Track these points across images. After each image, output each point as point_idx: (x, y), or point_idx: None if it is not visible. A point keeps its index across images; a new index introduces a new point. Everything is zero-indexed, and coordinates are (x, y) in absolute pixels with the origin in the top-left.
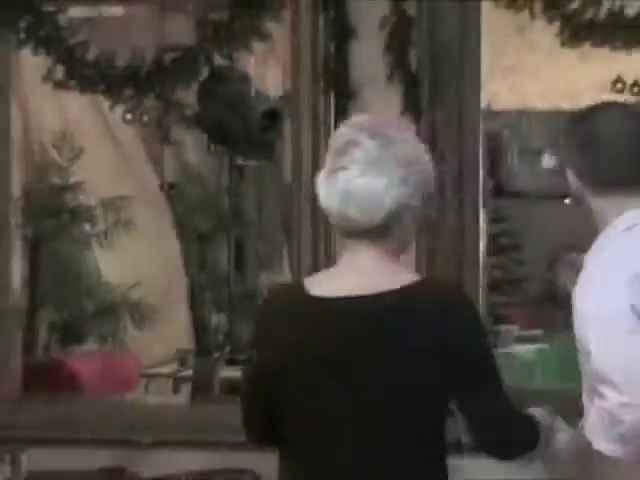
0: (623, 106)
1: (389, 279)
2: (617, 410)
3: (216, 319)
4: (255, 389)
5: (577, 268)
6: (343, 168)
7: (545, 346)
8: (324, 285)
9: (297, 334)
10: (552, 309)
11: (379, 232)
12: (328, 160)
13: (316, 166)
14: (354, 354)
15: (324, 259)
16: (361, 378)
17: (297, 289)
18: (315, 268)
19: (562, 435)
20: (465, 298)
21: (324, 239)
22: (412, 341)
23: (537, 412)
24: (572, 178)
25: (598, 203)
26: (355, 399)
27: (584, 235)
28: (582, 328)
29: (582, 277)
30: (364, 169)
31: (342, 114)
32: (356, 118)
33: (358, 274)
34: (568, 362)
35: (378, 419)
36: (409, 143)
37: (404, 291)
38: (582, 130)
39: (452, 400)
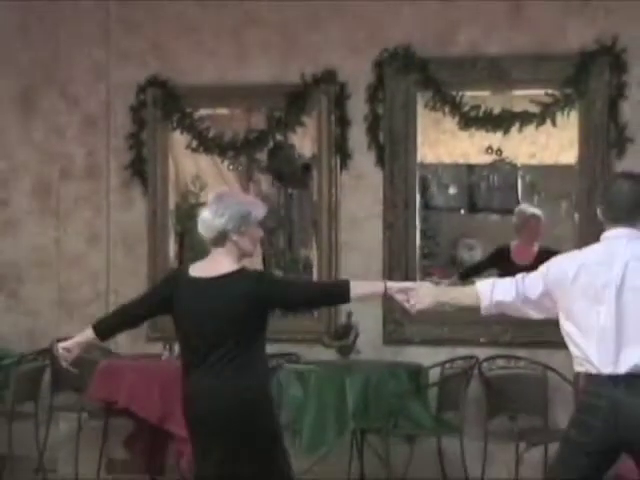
0: (630, 175)
1: (223, 268)
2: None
3: (276, 271)
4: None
5: (468, 247)
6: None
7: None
8: (197, 271)
9: (183, 296)
10: (453, 269)
11: (217, 243)
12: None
13: (330, 193)
14: (209, 304)
15: (335, 243)
16: (214, 311)
17: (185, 272)
18: (329, 248)
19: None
20: (255, 272)
21: (335, 232)
22: (239, 294)
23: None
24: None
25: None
26: (210, 323)
27: (471, 229)
28: None
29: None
30: (210, 212)
31: (343, 166)
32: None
33: (210, 264)
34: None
35: (224, 332)
36: (233, 199)
37: (231, 273)
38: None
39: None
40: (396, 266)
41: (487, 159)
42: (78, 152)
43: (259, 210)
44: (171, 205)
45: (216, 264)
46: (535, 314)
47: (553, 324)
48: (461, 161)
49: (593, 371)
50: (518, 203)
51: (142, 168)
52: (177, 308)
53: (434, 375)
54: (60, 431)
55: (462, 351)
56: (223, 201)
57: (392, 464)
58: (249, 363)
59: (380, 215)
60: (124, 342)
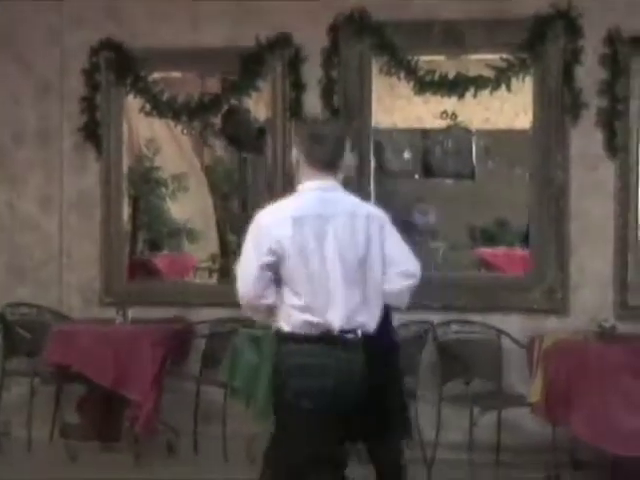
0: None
1: None
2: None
3: (231, 237)
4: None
5: (423, 212)
6: None
7: None
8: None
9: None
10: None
11: None
12: None
13: (285, 157)
14: None
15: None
16: None
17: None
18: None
19: None
20: None
21: (284, 191)
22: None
23: None
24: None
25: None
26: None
27: (426, 194)
28: None
29: None
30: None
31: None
32: None
33: None
34: None
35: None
36: None
37: None
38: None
39: None
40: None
41: (442, 124)
42: (31, 116)
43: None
44: (125, 169)
45: None
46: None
47: (508, 289)
48: (416, 126)
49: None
50: (473, 168)
51: (96, 132)
52: None
53: None
54: (13, 396)
55: (416, 316)
56: None
57: None
58: None
59: None
60: (77, 306)
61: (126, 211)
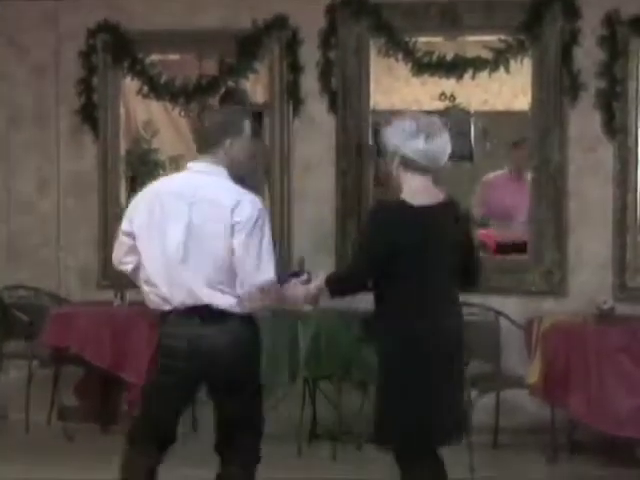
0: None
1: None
2: None
3: None
4: (375, 263)
5: None
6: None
7: None
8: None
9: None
10: None
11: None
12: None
13: (283, 139)
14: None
15: (287, 189)
16: (442, 244)
17: (401, 203)
18: (282, 195)
19: None
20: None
21: (287, 179)
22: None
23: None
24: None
25: None
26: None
27: None
28: None
29: None
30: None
31: (295, 112)
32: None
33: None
34: None
35: (446, 267)
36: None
37: (447, 201)
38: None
39: None
40: (349, 213)
41: (440, 105)
42: (27, 99)
43: None
44: (122, 151)
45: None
46: None
47: (506, 271)
48: (414, 107)
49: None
50: (471, 149)
51: (92, 114)
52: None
53: None
54: (10, 379)
55: None
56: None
57: (344, 411)
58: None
59: (333, 162)
60: (75, 289)
61: (124, 193)
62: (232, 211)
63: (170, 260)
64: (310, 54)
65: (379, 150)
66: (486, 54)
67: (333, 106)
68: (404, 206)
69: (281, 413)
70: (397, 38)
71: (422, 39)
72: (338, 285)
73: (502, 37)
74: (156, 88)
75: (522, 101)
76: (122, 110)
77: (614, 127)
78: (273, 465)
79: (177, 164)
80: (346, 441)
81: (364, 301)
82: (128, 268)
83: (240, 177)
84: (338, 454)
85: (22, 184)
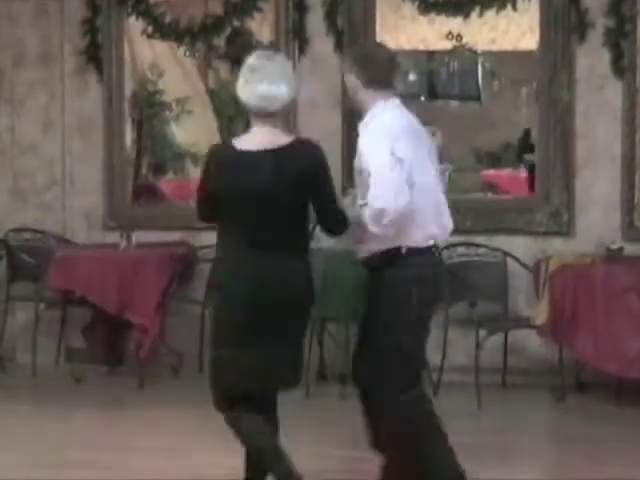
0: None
1: (279, 139)
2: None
3: None
4: (207, 201)
5: (430, 134)
6: (259, 81)
7: None
8: (245, 143)
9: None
10: None
11: (273, 115)
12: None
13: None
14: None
15: (293, 129)
16: (260, 193)
17: (230, 146)
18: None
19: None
20: (314, 146)
21: (294, 118)
22: (289, 173)
23: (347, 201)
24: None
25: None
26: (259, 200)
27: (431, 116)
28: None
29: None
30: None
31: (301, 51)
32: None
33: (263, 136)
34: None
35: (270, 211)
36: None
37: (285, 146)
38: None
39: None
40: (355, 152)
41: (447, 45)
42: (31, 39)
43: None
44: (127, 92)
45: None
46: None
47: (513, 211)
48: (421, 47)
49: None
50: (478, 89)
51: (97, 54)
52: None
53: None
54: (17, 321)
55: None
56: (275, 65)
57: (352, 352)
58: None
59: (339, 101)
60: (81, 231)
61: (129, 135)
62: None
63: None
64: None
65: None
66: None
67: (339, 45)
68: (227, 149)
69: None
70: None
71: None
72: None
73: None
74: (161, 28)
75: (530, 40)
76: (127, 50)
77: (622, 66)
78: (281, 406)
79: (183, 105)
80: None
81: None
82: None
83: None
84: (346, 395)
85: (26, 125)
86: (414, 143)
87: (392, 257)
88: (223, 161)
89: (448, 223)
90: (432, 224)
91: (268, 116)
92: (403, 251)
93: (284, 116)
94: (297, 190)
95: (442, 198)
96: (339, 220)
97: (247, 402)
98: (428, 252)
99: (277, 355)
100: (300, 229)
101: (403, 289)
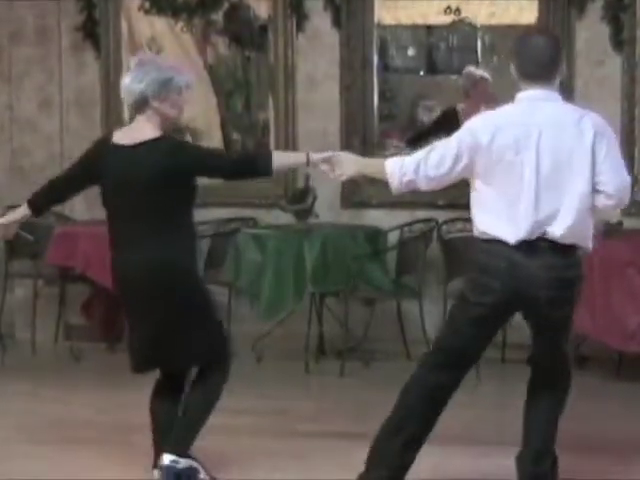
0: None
1: (143, 135)
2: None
3: (235, 136)
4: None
5: (427, 109)
6: (126, 76)
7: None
8: (120, 137)
9: (108, 165)
10: (412, 131)
11: (138, 109)
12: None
13: (287, 54)
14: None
15: (292, 105)
16: (134, 179)
17: (110, 139)
18: (286, 110)
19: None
20: (173, 139)
21: (292, 94)
22: (153, 164)
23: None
24: (514, 70)
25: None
26: (131, 193)
27: (430, 90)
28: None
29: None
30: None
31: (299, 27)
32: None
33: (132, 131)
34: None
35: (142, 204)
36: (153, 65)
37: (149, 141)
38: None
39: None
40: (353, 128)
41: (446, 20)
42: (28, 15)
43: (182, 76)
44: (125, 68)
45: (137, 131)
46: (435, 186)
47: None
48: (420, 22)
49: (501, 235)
50: (477, 64)
51: (94, 30)
52: (102, 178)
53: (393, 238)
54: (16, 297)
55: (421, 214)
56: (143, 66)
57: (351, 327)
58: (170, 236)
59: (337, 77)
60: (80, 208)
61: (127, 111)
62: (578, 128)
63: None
64: None
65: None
66: None
67: (337, 21)
68: (105, 142)
69: (288, 330)
70: None
71: None
72: None
73: None
74: (158, 3)
75: (529, 14)
76: (124, 26)
77: (622, 40)
78: (282, 382)
79: None
80: (353, 358)
81: (370, 217)
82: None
83: None
84: (345, 371)
85: (24, 102)
86: None
87: None
88: (101, 155)
89: None
90: None
91: (137, 111)
92: None
93: (159, 114)
94: (161, 178)
95: None
96: (239, 162)
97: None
98: None
99: (155, 337)
100: (171, 214)
101: None
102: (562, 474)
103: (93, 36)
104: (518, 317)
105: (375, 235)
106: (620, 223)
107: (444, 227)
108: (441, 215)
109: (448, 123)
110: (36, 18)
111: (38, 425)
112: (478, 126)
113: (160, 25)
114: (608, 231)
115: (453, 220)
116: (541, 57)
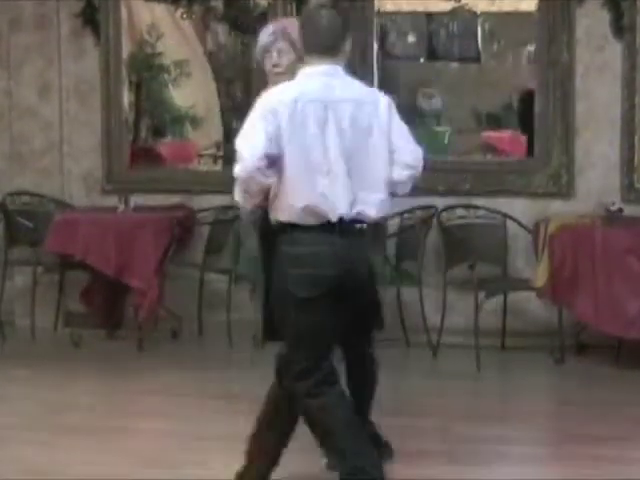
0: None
1: None
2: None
3: (236, 123)
4: None
5: (428, 96)
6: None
7: None
8: None
9: None
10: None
11: None
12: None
13: None
14: None
15: None
16: None
17: None
18: None
19: None
20: None
21: None
22: None
23: None
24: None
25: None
26: None
27: (431, 77)
28: None
29: None
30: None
31: (299, 12)
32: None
33: None
34: None
35: None
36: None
37: None
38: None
39: None
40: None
41: (446, 6)
42: (27, 2)
43: (262, 36)
44: (124, 55)
45: None
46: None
47: (513, 172)
48: (420, 9)
49: (312, 221)
50: (478, 51)
51: (94, 17)
52: None
53: (393, 225)
54: (16, 285)
55: (421, 200)
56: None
57: None
58: None
59: None
60: (78, 195)
61: (126, 98)
62: (373, 105)
63: (328, 170)
64: None
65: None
66: None
67: (335, 6)
68: None
69: None
70: None
71: None
72: None
73: None
74: None
75: (529, 1)
76: (124, 12)
77: (622, 26)
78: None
79: (182, 68)
80: None
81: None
82: (269, 181)
83: None
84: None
85: (23, 89)
86: None
87: None
88: None
89: None
90: None
91: None
92: None
93: None
94: None
95: None
96: None
97: None
98: None
99: None
100: None
101: None
102: (562, 461)
103: (93, 22)
104: (519, 304)
105: (374, 222)
106: (620, 210)
107: (444, 214)
108: (441, 202)
109: None
110: (35, 5)
111: (38, 411)
112: (274, 106)
113: (160, 11)
114: (608, 218)
115: (453, 207)
116: (324, 32)
